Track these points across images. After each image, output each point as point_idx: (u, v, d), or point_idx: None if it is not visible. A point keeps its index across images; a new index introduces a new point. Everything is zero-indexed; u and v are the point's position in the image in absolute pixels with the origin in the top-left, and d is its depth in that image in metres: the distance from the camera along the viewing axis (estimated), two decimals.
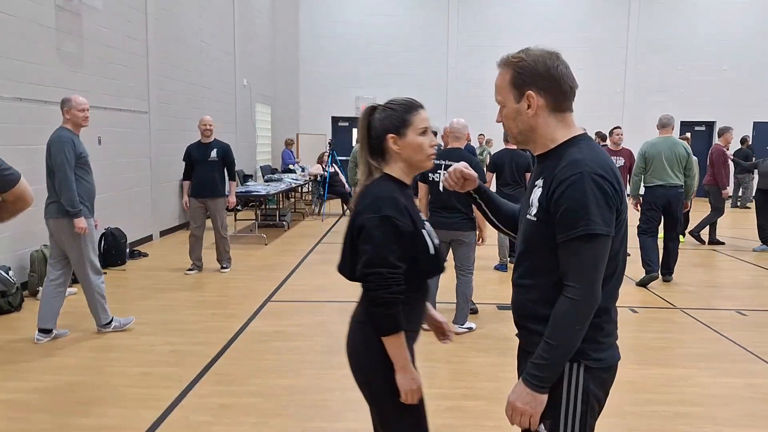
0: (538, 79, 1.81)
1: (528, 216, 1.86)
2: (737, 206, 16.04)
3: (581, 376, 1.79)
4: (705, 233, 10.24)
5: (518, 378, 1.91)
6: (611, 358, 1.84)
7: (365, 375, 2.09)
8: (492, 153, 9.16)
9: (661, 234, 7.40)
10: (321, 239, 10.10)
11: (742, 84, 17.81)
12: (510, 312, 2.00)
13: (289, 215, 11.74)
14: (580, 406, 1.81)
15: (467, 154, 5.20)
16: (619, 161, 8.70)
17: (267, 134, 17.07)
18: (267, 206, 11.51)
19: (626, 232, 1.84)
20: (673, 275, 7.34)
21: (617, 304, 1.87)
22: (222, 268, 7.60)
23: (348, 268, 2.07)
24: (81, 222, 4.78)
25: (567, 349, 1.74)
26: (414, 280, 2.03)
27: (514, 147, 7.53)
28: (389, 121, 2.06)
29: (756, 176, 10.93)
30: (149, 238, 9.52)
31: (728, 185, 9.96)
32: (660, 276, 7.25)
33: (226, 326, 5.39)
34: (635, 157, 7.69)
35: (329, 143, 13.71)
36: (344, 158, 14.54)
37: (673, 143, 7.12)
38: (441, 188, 5.06)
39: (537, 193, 1.82)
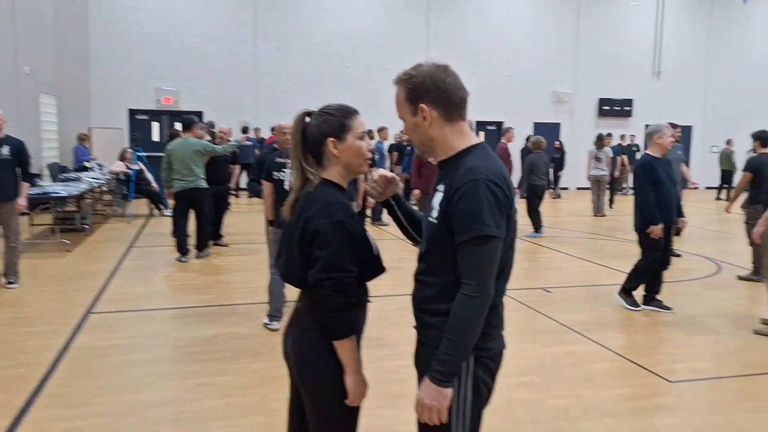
0: (428, 92, 1.94)
1: (430, 218, 1.98)
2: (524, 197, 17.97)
3: (471, 365, 1.94)
4: None
5: (414, 366, 2.02)
6: (497, 347, 2.02)
7: (315, 381, 2.06)
8: None
9: None
10: (132, 243, 9.39)
11: (524, 88, 19.86)
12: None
13: (90, 218, 10.73)
14: (471, 392, 1.95)
15: None
16: None
17: (53, 128, 15.37)
18: (62, 209, 10.39)
19: (515, 234, 2.00)
20: None
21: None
22: (9, 283, 6.59)
23: (297, 276, 2.04)
24: None
25: (466, 343, 1.86)
26: (361, 283, 2.06)
27: None
28: (328, 125, 2.05)
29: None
30: None
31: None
32: None
33: (48, 344, 4.81)
34: None
35: (135, 138, 12.75)
36: (150, 155, 13.57)
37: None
38: (287, 187, 5.02)
39: (438, 197, 1.94)
